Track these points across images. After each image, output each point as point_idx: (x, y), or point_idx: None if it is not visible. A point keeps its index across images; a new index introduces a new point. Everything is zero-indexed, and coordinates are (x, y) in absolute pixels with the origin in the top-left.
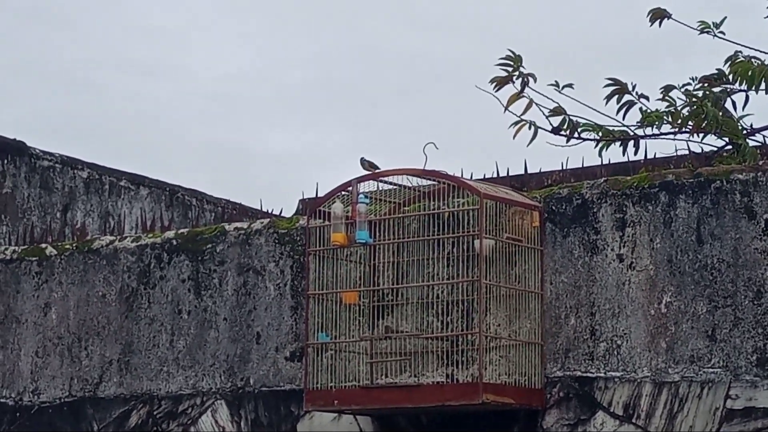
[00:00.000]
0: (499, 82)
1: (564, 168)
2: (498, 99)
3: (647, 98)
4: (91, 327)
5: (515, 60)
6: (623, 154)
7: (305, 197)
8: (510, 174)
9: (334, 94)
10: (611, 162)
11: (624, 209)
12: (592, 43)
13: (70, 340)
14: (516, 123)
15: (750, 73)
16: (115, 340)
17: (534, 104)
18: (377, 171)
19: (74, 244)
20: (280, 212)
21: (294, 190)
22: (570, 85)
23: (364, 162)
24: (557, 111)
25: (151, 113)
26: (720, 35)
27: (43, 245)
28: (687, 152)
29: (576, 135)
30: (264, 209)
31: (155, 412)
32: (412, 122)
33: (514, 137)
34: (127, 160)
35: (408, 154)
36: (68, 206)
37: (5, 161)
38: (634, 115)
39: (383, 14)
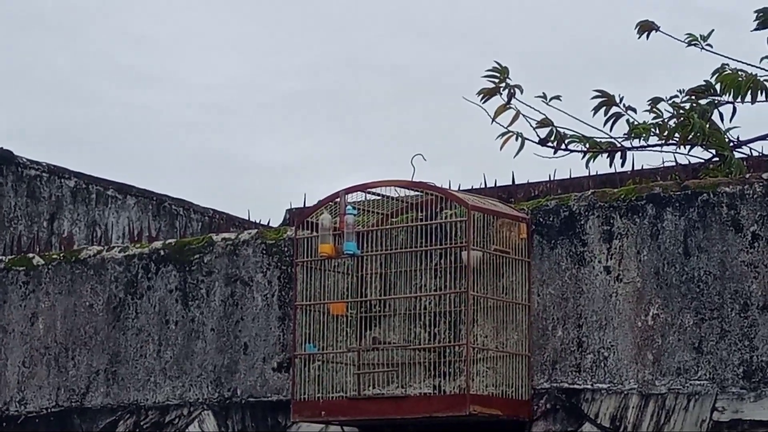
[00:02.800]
0: (486, 94)
1: (551, 179)
2: (485, 110)
3: (634, 110)
4: (78, 337)
5: (502, 71)
6: (610, 166)
7: (293, 207)
8: (497, 185)
9: (323, 104)
10: (598, 173)
11: (611, 221)
12: (580, 54)
13: (57, 350)
14: (503, 134)
15: (737, 84)
16: (102, 351)
17: (521, 115)
18: (365, 182)
19: (62, 254)
20: (268, 223)
21: (282, 200)
22: (557, 97)
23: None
24: (544, 122)
25: (141, 121)
26: (707, 48)
27: (31, 255)
28: (674, 164)
29: (563, 146)
30: (252, 219)
31: (142, 423)
32: (401, 132)
33: (501, 148)
34: (116, 168)
35: (397, 163)
36: (55, 215)
37: None
38: (621, 127)
39: (374, 24)
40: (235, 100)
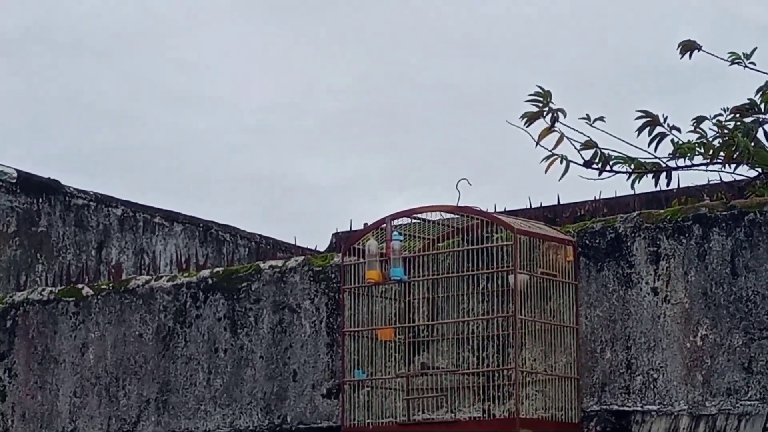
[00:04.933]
0: (530, 118)
1: (597, 199)
2: (529, 134)
3: (679, 129)
4: (128, 366)
5: (545, 96)
6: (655, 186)
7: (339, 231)
8: (543, 205)
9: (369, 123)
10: (644, 192)
11: (658, 242)
12: (624, 72)
13: (107, 380)
14: (547, 158)
15: None
16: (153, 379)
17: (565, 138)
18: (411, 208)
19: (111, 284)
20: (315, 248)
21: (329, 220)
22: (601, 118)
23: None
24: (588, 144)
25: (188, 145)
26: (750, 66)
27: (80, 285)
28: (719, 183)
29: (608, 168)
30: (298, 244)
31: None
32: (447, 151)
33: (546, 172)
34: (163, 193)
35: (443, 182)
36: (103, 244)
37: (40, 200)
38: (665, 147)
39: (419, 42)
40: (282, 121)
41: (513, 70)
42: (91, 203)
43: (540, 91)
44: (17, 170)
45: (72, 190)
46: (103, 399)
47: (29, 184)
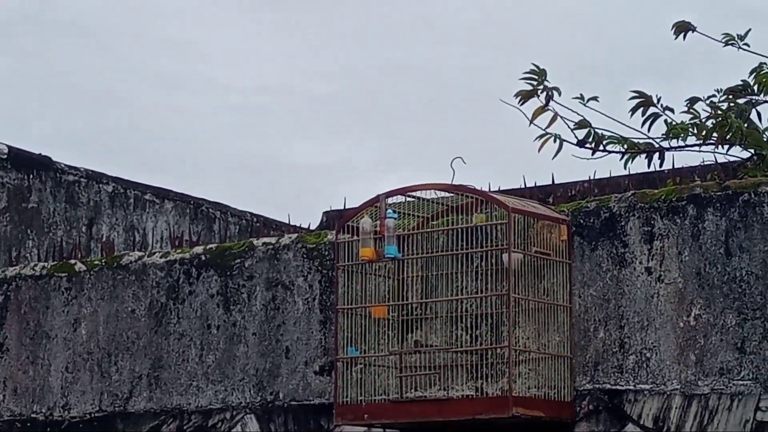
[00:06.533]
0: (524, 96)
1: (590, 179)
2: (523, 112)
3: (672, 110)
4: (120, 342)
5: (539, 74)
6: (648, 167)
7: (330, 209)
8: (537, 185)
9: (360, 106)
10: (638, 172)
11: (652, 222)
12: (617, 54)
13: (99, 356)
14: (541, 136)
15: None
16: (145, 355)
17: (559, 117)
18: (405, 186)
19: (103, 260)
20: (309, 226)
21: (318, 201)
22: (595, 98)
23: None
24: (582, 124)
25: (178, 126)
26: (744, 47)
27: (73, 261)
28: (713, 163)
29: (601, 148)
30: (290, 222)
31: (185, 427)
32: (439, 134)
33: (539, 150)
34: (153, 173)
35: (436, 166)
36: (93, 220)
37: (31, 176)
38: (659, 128)
39: (410, 27)
40: (272, 102)
41: (505, 53)
42: (82, 180)
43: (535, 69)
44: (8, 146)
45: (63, 166)
46: (95, 375)
47: (20, 160)
